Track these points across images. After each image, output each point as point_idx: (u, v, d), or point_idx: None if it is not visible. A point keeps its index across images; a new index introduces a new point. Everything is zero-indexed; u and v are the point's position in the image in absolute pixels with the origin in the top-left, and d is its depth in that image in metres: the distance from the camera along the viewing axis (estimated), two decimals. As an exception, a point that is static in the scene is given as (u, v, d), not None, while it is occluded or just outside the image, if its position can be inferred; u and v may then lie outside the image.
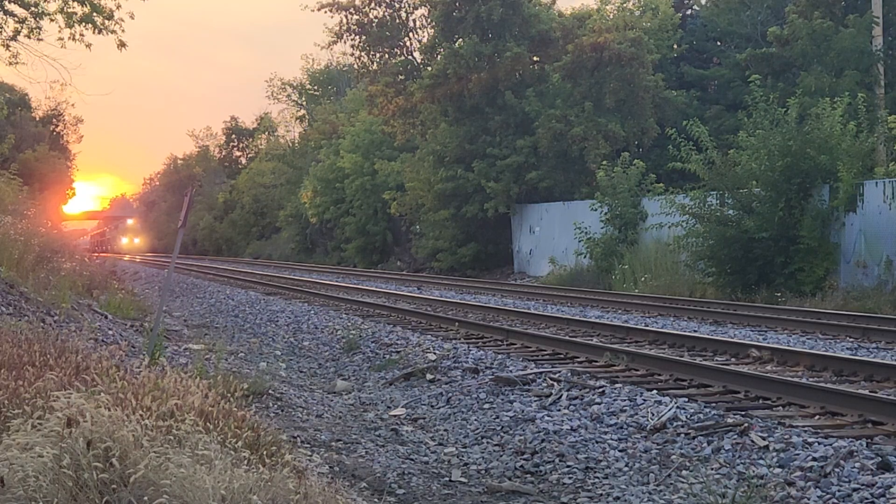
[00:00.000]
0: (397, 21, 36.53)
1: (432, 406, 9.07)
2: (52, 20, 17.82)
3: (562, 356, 10.95)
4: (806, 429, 6.82)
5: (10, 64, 18.10)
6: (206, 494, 3.87)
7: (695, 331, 13.30)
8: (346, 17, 36.32)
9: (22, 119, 53.24)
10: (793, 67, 27.66)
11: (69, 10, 17.62)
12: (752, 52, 28.79)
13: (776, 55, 28.12)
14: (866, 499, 5.44)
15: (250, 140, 77.63)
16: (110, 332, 11.76)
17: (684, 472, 6.33)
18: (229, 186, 72.05)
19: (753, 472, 6.03)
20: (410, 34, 36.95)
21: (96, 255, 60.14)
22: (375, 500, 5.90)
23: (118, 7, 17.82)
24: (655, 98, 30.52)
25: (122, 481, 3.91)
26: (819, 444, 6.33)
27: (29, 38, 17.97)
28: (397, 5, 36.58)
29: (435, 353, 11.24)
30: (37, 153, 50.28)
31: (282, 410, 8.52)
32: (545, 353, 11.27)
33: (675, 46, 35.31)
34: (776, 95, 20.71)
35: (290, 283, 27.50)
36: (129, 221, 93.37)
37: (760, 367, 9.75)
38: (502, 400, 8.77)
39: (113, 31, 17.74)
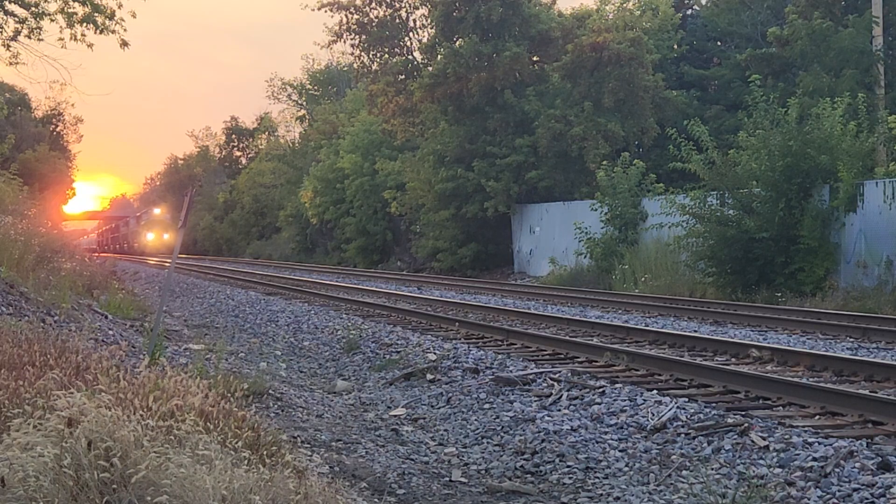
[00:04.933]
0: (397, 21, 36.55)
1: (432, 406, 9.07)
2: (52, 20, 17.85)
3: (562, 356, 10.95)
4: (806, 429, 6.82)
5: (11, 64, 18.15)
6: (206, 494, 3.87)
7: (695, 331, 13.30)
8: (346, 16, 36.40)
9: (22, 119, 53.29)
10: (793, 67, 27.67)
11: (70, 11, 17.64)
12: (752, 52, 28.80)
13: (776, 55, 28.13)
14: (866, 499, 5.44)
15: (250, 140, 77.62)
16: (110, 332, 11.76)
17: (684, 472, 6.33)
18: (229, 186, 72.04)
19: (754, 472, 6.03)
20: (410, 34, 36.97)
21: (109, 255, 58.76)
22: (375, 500, 5.90)
23: (119, 6, 17.85)
24: (655, 98, 30.52)
25: (123, 481, 3.91)
26: (819, 444, 6.33)
27: (29, 38, 18.00)
28: (397, 5, 36.61)
29: (435, 353, 11.24)
30: (37, 153, 50.31)
31: (282, 410, 8.51)
32: (545, 353, 11.26)
33: (676, 46, 35.34)
34: (776, 95, 20.70)
35: (290, 283, 27.50)
36: (157, 211, 73.86)
37: (760, 367, 9.75)
38: (502, 400, 8.78)
39: (114, 31, 17.77)
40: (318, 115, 57.41)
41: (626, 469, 6.59)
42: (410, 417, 8.63)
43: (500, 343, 12.32)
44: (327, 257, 49.43)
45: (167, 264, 50.66)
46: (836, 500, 5.47)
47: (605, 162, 26.71)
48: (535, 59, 33.13)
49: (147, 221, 73.22)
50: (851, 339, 12.35)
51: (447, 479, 6.63)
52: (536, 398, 8.61)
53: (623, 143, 29.15)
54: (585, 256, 25.73)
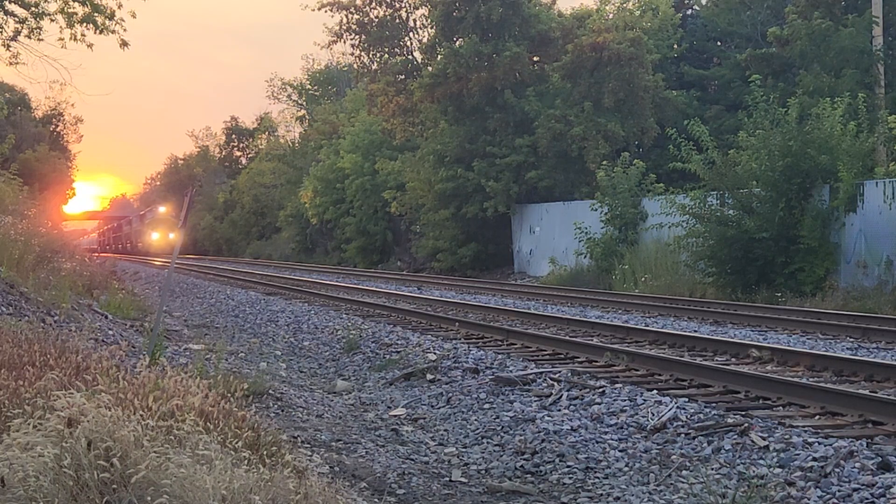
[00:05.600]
0: (397, 21, 36.57)
1: (432, 406, 9.07)
2: (52, 20, 17.85)
3: (562, 356, 10.95)
4: (806, 429, 6.82)
5: (11, 64, 18.15)
6: (206, 494, 3.87)
7: (695, 331, 13.30)
8: (346, 16, 36.44)
9: (22, 119, 53.29)
10: (793, 67, 27.67)
11: (70, 11, 17.64)
12: (752, 52, 28.81)
13: (776, 55, 28.13)
14: (866, 499, 5.44)
15: (250, 140, 77.61)
16: (110, 332, 11.76)
17: (684, 472, 6.33)
18: (229, 186, 72.01)
19: (754, 472, 6.03)
20: (410, 34, 36.99)
21: (110, 255, 58.28)
22: (375, 500, 5.90)
23: (119, 7, 17.86)
24: (655, 98, 30.52)
25: (123, 481, 3.91)
26: (819, 444, 6.33)
27: (29, 38, 18.01)
28: (397, 5, 36.62)
29: (435, 353, 11.24)
30: (37, 153, 50.30)
31: (282, 410, 8.52)
32: (545, 353, 11.26)
33: (676, 46, 35.33)
34: (776, 95, 20.70)
35: (290, 283, 27.50)
36: (162, 209, 71.01)
37: (760, 367, 9.75)
38: (502, 400, 8.78)
39: (114, 31, 17.78)
40: (318, 115, 57.41)
41: (626, 469, 6.59)
42: (410, 417, 8.63)
43: (500, 343, 12.32)
44: (327, 257, 49.43)
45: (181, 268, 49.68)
46: (836, 500, 5.47)
47: (605, 162, 26.71)
48: (535, 59, 33.13)
49: (151, 220, 70.64)
50: (851, 339, 12.35)
51: (447, 479, 6.63)
52: (536, 398, 8.61)
53: (623, 143, 29.14)
54: (585, 256, 25.73)
